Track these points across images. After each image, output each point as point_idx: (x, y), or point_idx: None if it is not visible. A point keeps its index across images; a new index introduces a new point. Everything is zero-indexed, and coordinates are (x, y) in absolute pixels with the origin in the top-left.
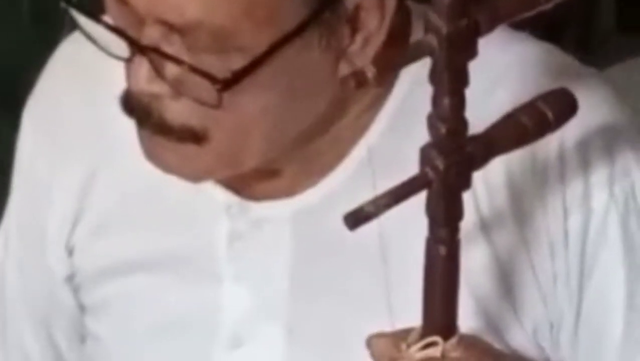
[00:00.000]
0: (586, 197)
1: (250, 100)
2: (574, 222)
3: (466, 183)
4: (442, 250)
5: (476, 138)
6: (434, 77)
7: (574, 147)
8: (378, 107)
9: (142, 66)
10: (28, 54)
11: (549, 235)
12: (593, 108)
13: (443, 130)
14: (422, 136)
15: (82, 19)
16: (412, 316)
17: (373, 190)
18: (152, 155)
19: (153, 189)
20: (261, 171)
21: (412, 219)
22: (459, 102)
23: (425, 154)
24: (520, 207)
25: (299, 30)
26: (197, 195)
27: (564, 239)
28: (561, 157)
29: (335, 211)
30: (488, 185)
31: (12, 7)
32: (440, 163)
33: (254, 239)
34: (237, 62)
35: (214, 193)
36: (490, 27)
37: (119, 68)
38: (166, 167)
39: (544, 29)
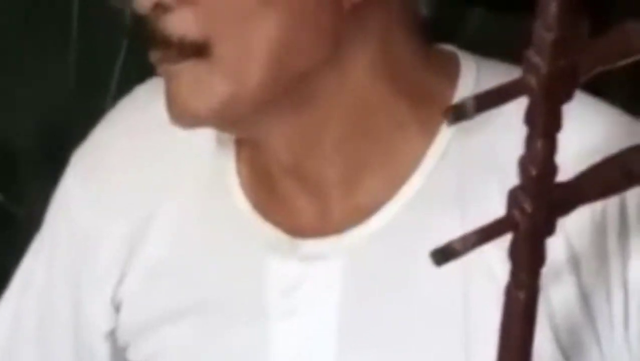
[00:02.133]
0: None
1: None
2: (635, 267)
3: (552, 229)
4: (522, 295)
5: (564, 184)
6: (528, 118)
7: (635, 204)
8: (429, 141)
9: None
10: (73, 114)
11: (606, 282)
12: None
13: (534, 172)
14: (476, 171)
15: None
16: None
17: (428, 226)
18: (170, 96)
19: (201, 232)
20: (308, 192)
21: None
22: (552, 146)
23: (513, 196)
24: (579, 268)
25: None
26: (246, 233)
27: (622, 284)
28: (622, 216)
29: (387, 247)
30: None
31: (58, 70)
32: (528, 207)
33: (303, 277)
34: None
35: (263, 231)
36: (589, 70)
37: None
38: (181, 103)
39: None
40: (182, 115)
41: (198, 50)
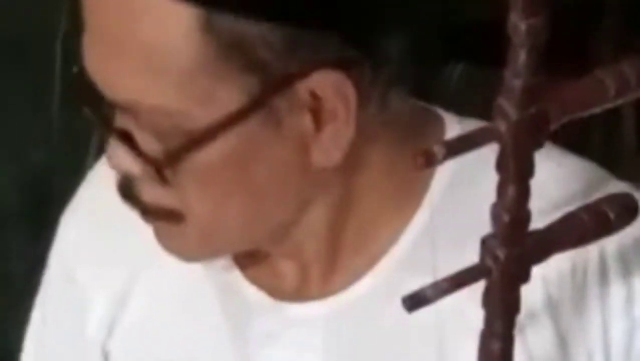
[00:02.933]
0: (629, 306)
1: (204, 184)
2: (617, 332)
3: (525, 277)
4: (496, 344)
5: (538, 232)
6: (500, 165)
7: (615, 255)
8: (411, 215)
9: (118, 146)
10: (58, 169)
11: (587, 344)
12: None
13: (506, 219)
14: (461, 233)
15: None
16: None
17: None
18: (156, 237)
19: (187, 291)
20: (290, 260)
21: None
22: (524, 192)
23: (486, 244)
24: (557, 313)
25: (238, 117)
26: (231, 294)
27: (604, 350)
28: (602, 266)
29: (370, 311)
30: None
31: (42, 125)
32: (501, 254)
33: (285, 340)
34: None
35: (248, 293)
36: (558, 118)
37: None
38: (165, 246)
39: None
40: (168, 254)
41: (171, 216)
